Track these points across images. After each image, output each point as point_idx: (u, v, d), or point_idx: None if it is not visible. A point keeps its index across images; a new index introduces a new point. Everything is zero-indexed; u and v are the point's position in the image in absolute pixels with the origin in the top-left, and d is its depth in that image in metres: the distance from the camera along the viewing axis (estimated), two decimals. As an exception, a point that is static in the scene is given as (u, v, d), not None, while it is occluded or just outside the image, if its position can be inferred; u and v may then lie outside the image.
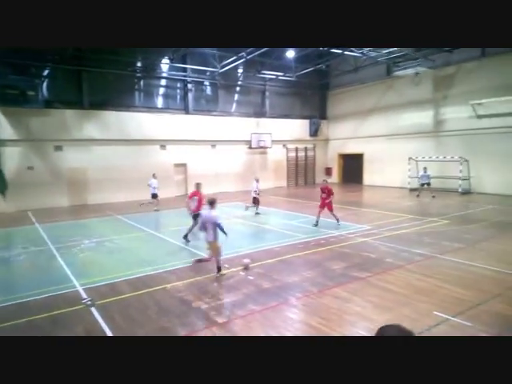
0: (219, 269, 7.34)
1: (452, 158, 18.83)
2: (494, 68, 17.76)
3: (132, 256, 8.98)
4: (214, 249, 7.34)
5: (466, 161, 18.33)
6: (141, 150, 20.06)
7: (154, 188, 16.00)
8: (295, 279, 7.03)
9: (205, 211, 7.87)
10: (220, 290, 6.59)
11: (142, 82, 20.50)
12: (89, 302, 6.09)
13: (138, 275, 7.42)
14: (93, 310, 5.83)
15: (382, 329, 1.81)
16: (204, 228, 7.41)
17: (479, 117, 18.56)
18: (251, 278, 7.12)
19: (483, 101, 18.11)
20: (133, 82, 20.16)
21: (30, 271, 8.00)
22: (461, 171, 18.29)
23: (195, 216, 10.16)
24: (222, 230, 7.25)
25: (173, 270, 7.74)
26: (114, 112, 19.19)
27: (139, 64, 19.98)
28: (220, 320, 5.38)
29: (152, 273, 7.57)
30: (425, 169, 18.06)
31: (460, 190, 18.34)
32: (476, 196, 17.79)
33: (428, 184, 17.89)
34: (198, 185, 10.83)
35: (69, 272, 7.73)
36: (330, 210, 11.90)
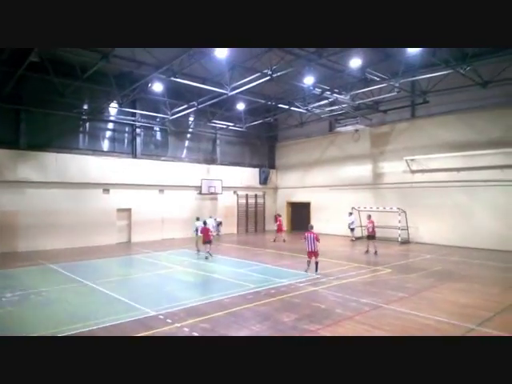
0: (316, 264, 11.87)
1: (391, 208, 20.00)
2: (423, 128, 19.74)
3: (62, 311, 8.01)
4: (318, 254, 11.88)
5: (404, 212, 19.55)
6: (81, 194, 18.91)
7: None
8: (244, 334, 6.61)
9: (308, 233, 11.98)
10: (161, 349, 5.98)
11: (87, 125, 19.81)
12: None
13: (66, 333, 6.54)
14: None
15: None
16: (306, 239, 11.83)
17: (413, 171, 20.20)
18: (196, 334, 6.59)
19: (415, 157, 19.86)
20: (77, 123, 19.42)
21: None
22: (399, 221, 19.39)
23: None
24: (318, 240, 11.82)
25: (108, 326, 6.96)
26: (54, 154, 18.13)
27: (85, 107, 19.42)
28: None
29: (83, 330, 6.73)
30: (350, 214, 19.11)
31: (399, 240, 19.31)
32: (414, 245, 18.80)
33: (352, 229, 18.76)
34: (369, 215, 16.72)
35: (-19, 332, 6.65)
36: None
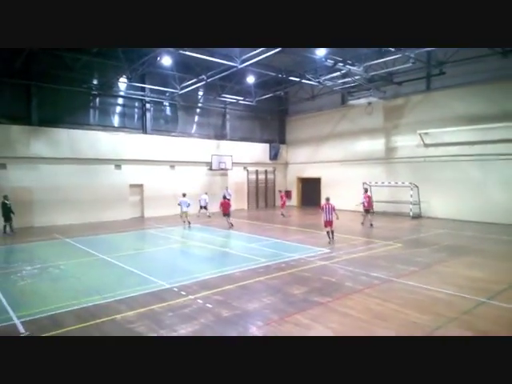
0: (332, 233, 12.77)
1: (403, 183, 19.79)
2: (438, 101, 19.17)
3: (79, 283, 8.29)
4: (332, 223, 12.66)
5: (416, 186, 19.33)
6: (94, 170, 19.13)
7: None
8: (255, 306, 6.78)
9: (326, 204, 12.76)
10: (175, 319, 6.18)
11: (97, 100, 19.78)
12: (25, 338, 5.43)
13: (84, 305, 6.80)
14: (30, 346, 5.18)
15: None
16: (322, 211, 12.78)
17: (426, 145, 19.81)
18: (209, 306, 6.77)
19: (429, 131, 19.41)
20: (88, 99, 19.39)
21: (-42, 303, 7.09)
22: (411, 196, 19.23)
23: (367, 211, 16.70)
24: (335, 211, 12.61)
25: (124, 298, 7.19)
26: (65, 129, 18.25)
27: (95, 81, 19.31)
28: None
29: (100, 302, 6.98)
30: (365, 190, 18.62)
31: (411, 215, 19.21)
32: (426, 220, 18.70)
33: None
34: (366, 189, 17.43)
35: (5, 302, 6.93)
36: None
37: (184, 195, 17.39)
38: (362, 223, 16.91)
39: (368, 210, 16.80)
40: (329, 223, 12.73)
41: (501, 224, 16.31)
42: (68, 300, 7.07)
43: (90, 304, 6.85)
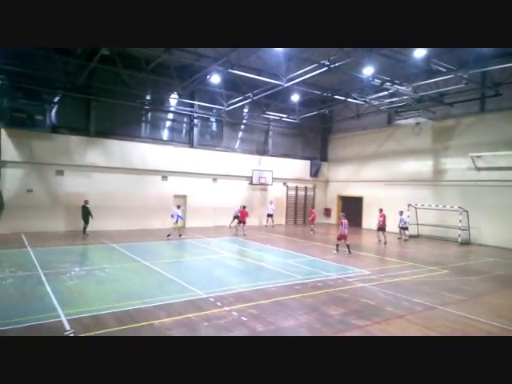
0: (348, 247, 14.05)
1: (451, 207, 18.84)
2: (493, 123, 18.20)
3: (122, 287, 8.67)
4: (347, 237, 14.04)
5: (466, 211, 18.31)
6: (142, 180, 20.09)
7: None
8: (290, 323, 6.71)
9: (343, 219, 14.20)
10: (210, 330, 6.27)
11: (149, 114, 20.92)
12: (71, 335, 5.77)
13: (125, 308, 7.10)
14: (75, 343, 5.49)
15: None
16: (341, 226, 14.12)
17: (478, 169, 18.78)
18: (244, 319, 6.80)
19: (482, 154, 18.42)
20: (140, 113, 20.56)
21: (14, 297, 7.66)
22: (460, 221, 18.21)
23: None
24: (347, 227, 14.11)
25: (163, 304, 7.42)
26: (118, 141, 19.42)
27: (148, 97, 20.46)
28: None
29: (141, 306, 7.24)
30: (401, 212, 19.21)
31: (459, 240, 18.16)
32: (476, 247, 17.58)
33: (404, 228, 19.20)
34: (381, 209, 18.37)
35: (55, 300, 7.40)
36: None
37: (178, 207, 17.45)
38: (385, 242, 17.45)
39: (383, 228, 17.93)
40: (343, 237, 14.08)
41: (562, 257, 14.96)
42: (110, 302, 7.42)
43: (131, 308, 7.14)
